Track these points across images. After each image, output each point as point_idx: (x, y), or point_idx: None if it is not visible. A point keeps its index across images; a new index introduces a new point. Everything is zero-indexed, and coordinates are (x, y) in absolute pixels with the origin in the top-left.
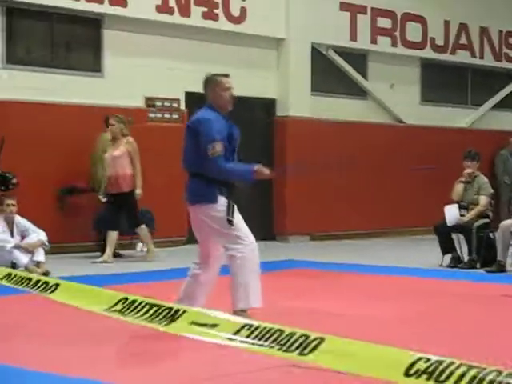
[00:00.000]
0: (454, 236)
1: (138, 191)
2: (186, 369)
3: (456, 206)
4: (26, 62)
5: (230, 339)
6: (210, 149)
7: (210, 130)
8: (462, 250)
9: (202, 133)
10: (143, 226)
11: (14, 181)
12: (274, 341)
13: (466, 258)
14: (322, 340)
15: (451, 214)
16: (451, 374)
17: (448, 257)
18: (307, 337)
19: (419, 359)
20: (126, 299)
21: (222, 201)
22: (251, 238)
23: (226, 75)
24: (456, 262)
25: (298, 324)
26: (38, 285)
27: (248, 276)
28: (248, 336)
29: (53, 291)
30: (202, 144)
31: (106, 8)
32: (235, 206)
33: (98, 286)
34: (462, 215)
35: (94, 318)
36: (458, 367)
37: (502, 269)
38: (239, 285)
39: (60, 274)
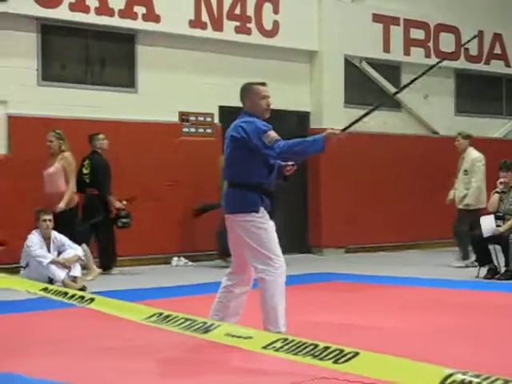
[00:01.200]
0: (490, 247)
1: (61, 205)
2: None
3: (492, 216)
4: (61, 78)
5: (264, 348)
6: (265, 140)
7: (256, 126)
8: (499, 261)
9: (250, 132)
10: (81, 247)
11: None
12: (307, 353)
13: (502, 269)
14: (356, 354)
15: (487, 224)
16: None
17: (485, 268)
18: (341, 351)
19: (456, 373)
20: (161, 314)
21: (262, 212)
22: (282, 259)
23: (263, 83)
24: (493, 273)
25: (331, 338)
26: (74, 298)
27: (277, 300)
28: (281, 348)
29: (88, 304)
30: (254, 142)
31: (139, 24)
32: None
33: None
34: (498, 226)
35: (132, 330)
36: (495, 381)
37: None
38: (269, 308)
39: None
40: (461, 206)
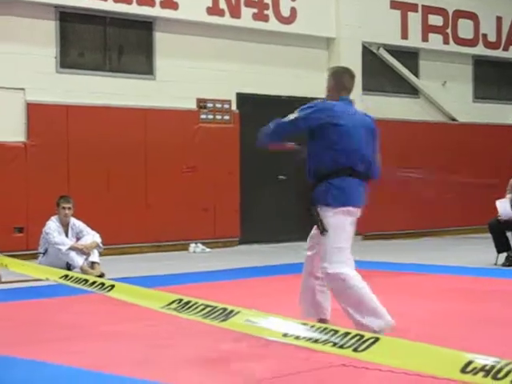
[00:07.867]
0: (508, 234)
1: None
2: (249, 369)
3: (507, 200)
4: (79, 66)
5: (284, 335)
6: None
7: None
8: None
9: None
10: None
11: None
12: (327, 341)
13: None
14: (376, 340)
15: (503, 208)
16: (509, 372)
17: (503, 255)
18: (362, 336)
19: (476, 358)
20: (181, 300)
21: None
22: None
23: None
24: (511, 260)
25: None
26: (95, 285)
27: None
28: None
29: (108, 291)
30: None
31: (157, 11)
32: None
33: (154, 287)
34: None
35: (151, 318)
36: None
37: None
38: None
39: None
40: None
